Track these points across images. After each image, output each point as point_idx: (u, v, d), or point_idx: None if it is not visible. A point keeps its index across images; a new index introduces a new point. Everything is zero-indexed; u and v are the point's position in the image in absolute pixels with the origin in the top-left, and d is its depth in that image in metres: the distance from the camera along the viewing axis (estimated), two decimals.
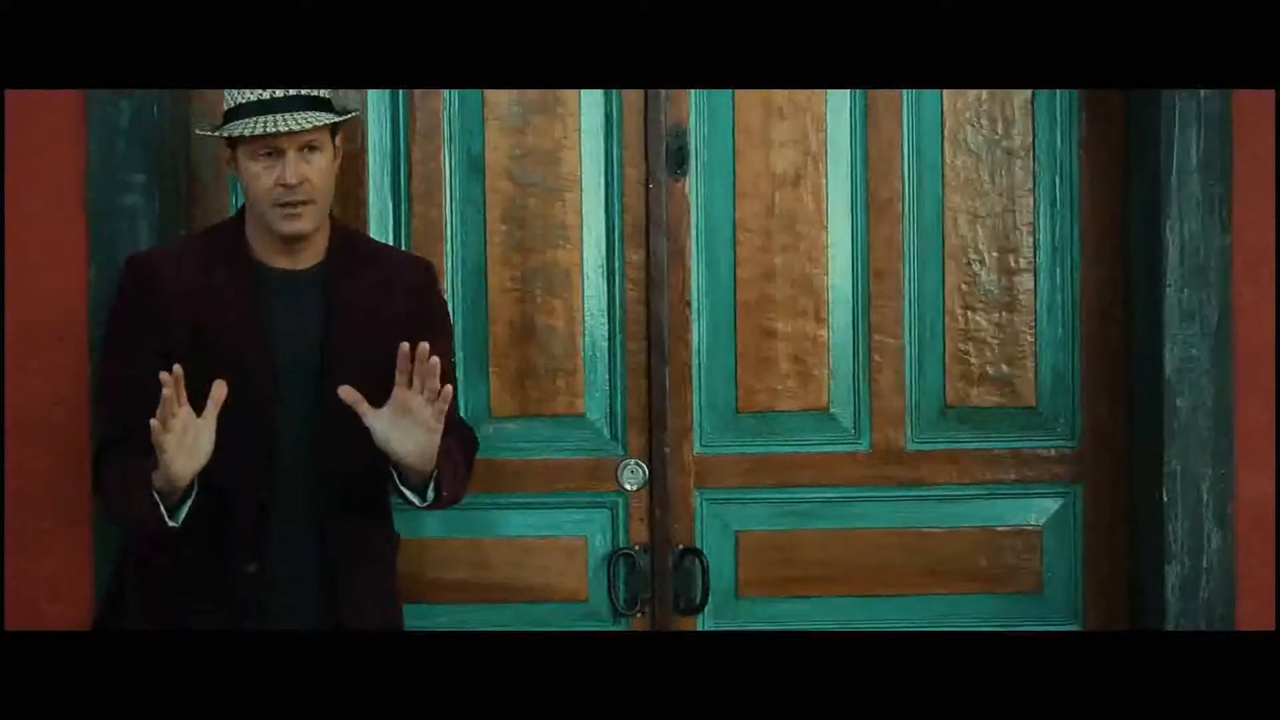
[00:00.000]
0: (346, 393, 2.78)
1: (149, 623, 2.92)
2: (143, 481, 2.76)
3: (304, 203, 2.87)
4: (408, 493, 2.87)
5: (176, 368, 2.69)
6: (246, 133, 2.83)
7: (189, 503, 2.77)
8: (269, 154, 2.85)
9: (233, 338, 2.89)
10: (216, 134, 2.91)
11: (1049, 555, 3.48)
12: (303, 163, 2.86)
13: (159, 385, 2.69)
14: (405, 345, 2.76)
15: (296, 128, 2.83)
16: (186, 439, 2.70)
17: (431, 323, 3.02)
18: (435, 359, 2.74)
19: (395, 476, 2.86)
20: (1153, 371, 3.33)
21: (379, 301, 2.97)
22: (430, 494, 2.88)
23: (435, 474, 2.86)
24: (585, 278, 3.42)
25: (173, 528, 2.77)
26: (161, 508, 2.75)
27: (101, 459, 2.93)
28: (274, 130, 2.82)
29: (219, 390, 2.72)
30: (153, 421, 2.66)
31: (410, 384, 2.77)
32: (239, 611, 2.89)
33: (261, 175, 2.86)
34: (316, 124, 2.85)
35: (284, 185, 2.85)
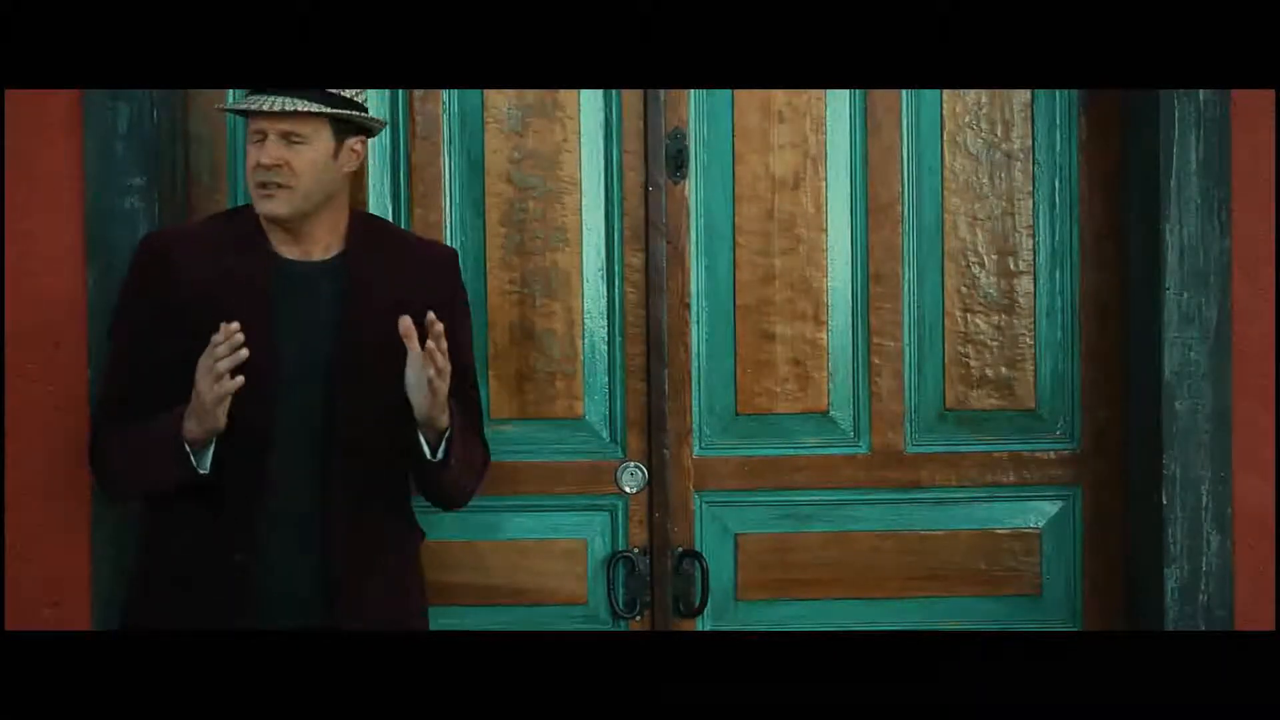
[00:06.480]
0: (404, 324, 2.81)
1: (159, 613, 2.93)
2: (164, 436, 2.82)
3: (279, 185, 2.90)
4: (423, 443, 2.89)
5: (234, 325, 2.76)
6: (227, 108, 3.04)
7: (211, 448, 2.83)
8: (257, 136, 2.91)
9: (240, 323, 2.85)
10: (221, 109, 3.14)
11: (1048, 558, 3.48)
12: (284, 148, 2.90)
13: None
14: (407, 320, 2.80)
15: (268, 109, 2.88)
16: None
17: (455, 313, 3.03)
18: (440, 326, 2.79)
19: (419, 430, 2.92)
20: (1152, 374, 3.33)
21: (401, 291, 2.96)
22: (441, 452, 2.90)
23: (449, 433, 2.88)
24: (585, 280, 3.42)
25: (202, 475, 2.82)
26: (191, 456, 2.81)
27: (100, 435, 2.97)
28: (252, 109, 2.89)
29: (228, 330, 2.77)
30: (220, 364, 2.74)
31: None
32: (232, 600, 2.88)
33: (250, 154, 2.93)
34: (292, 108, 2.89)
35: (260, 165, 2.90)
